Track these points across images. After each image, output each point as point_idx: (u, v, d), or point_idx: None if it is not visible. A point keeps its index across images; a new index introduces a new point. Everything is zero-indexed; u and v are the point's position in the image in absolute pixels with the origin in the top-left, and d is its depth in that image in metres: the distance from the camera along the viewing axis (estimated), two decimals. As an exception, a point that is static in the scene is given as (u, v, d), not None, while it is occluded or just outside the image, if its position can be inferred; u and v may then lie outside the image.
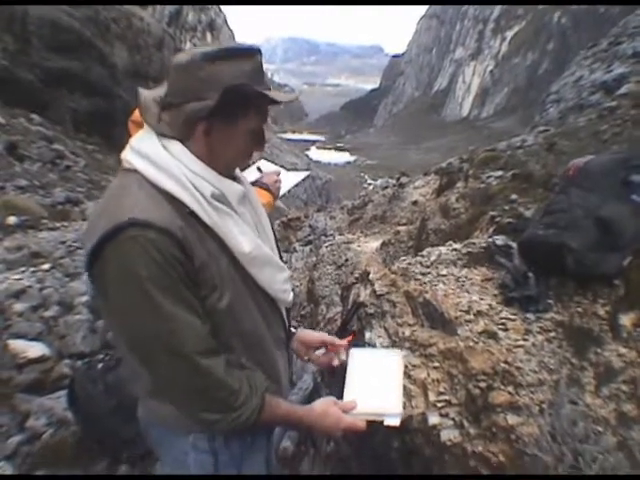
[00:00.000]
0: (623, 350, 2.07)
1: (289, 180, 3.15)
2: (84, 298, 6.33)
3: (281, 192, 3.05)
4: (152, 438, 1.73)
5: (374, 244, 6.07)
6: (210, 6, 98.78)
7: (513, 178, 4.76)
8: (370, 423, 1.66)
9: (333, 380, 3.02)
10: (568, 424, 1.88)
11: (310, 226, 11.51)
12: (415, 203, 8.43)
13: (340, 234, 8.15)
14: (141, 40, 27.38)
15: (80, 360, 4.87)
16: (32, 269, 6.75)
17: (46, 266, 6.96)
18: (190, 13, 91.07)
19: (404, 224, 7.31)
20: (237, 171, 1.68)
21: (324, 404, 1.68)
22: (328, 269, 5.93)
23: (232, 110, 1.44)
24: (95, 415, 3.57)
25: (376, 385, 1.79)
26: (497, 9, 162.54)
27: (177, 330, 1.37)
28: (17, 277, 6.33)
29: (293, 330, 2.01)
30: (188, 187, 1.40)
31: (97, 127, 21.87)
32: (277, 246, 1.79)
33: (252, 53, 1.47)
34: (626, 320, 2.13)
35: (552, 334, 2.19)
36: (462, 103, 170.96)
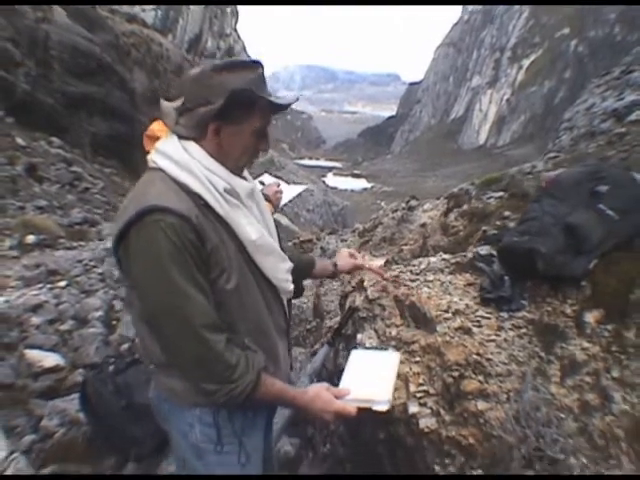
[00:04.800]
0: (587, 345, 2.24)
1: (289, 192, 3.39)
2: (98, 313, 6.55)
3: (281, 203, 3.29)
4: (162, 412, 1.91)
5: (378, 262, 6.25)
6: (229, 33, 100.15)
7: (510, 197, 4.94)
8: (361, 410, 1.80)
9: (330, 382, 3.19)
10: (532, 410, 2.06)
11: (321, 248, 11.69)
12: (423, 225, 8.57)
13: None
14: (160, 66, 27.82)
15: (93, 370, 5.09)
16: (49, 286, 6.99)
17: (62, 283, 7.25)
18: (209, 39, 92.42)
19: (411, 244, 7.47)
20: (246, 173, 1.89)
21: (317, 388, 1.83)
22: (334, 285, 6.13)
23: (238, 112, 1.66)
24: (105, 414, 3.75)
25: (369, 378, 1.94)
26: (514, 37, 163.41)
27: (187, 304, 1.57)
28: (34, 293, 6.56)
29: (334, 267, 2.44)
30: (204, 182, 1.63)
31: (115, 151, 22.12)
32: (279, 241, 1.98)
33: (255, 65, 1.70)
34: (590, 317, 2.31)
35: (523, 330, 2.38)
36: (479, 131, 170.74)
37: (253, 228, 1.73)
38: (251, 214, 1.78)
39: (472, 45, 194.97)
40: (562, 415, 2.05)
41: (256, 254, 1.75)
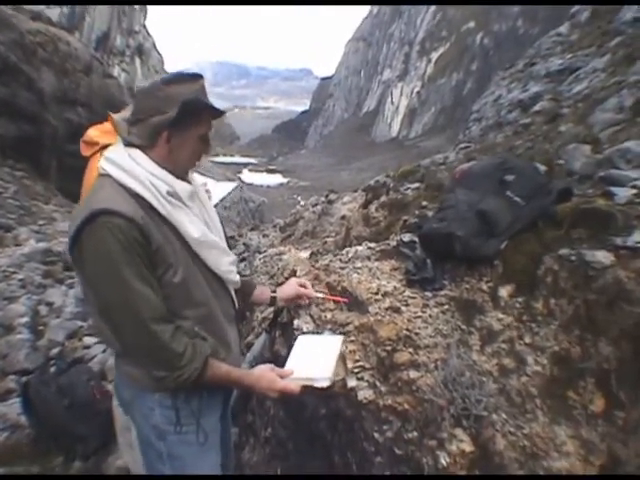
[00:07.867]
0: (502, 316, 2.53)
1: (219, 190, 3.52)
2: (24, 319, 6.48)
3: (213, 202, 3.43)
4: (125, 397, 2.06)
5: (304, 254, 6.46)
6: (138, 30, 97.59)
7: (427, 188, 5.27)
8: (304, 388, 1.98)
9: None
10: (457, 375, 2.32)
11: (244, 244, 11.82)
12: (343, 217, 8.87)
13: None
14: (69, 65, 26.61)
15: (25, 376, 5.06)
16: (-33, 295, 6.86)
17: (-19, 292, 7.10)
18: (118, 37, 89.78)
19: (333, 237, 7.73)
20: (192, 176, 2.08)
21: (262, 369, 2.03)
22: (262, 279, 6.27)
23: (187, 120, 1.83)
24: (49, 415, 3.80)
25: (312, 359, 2.14)
26: (422, 32, 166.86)
27: (135, 298, 1.73)
28: (-48, 302, 6.44)
29: (273, 294, 2.53)
30: (148, 186, 1.79)
31: (25, 153, 21.17)
32: (225, 237, 2.17)
33: (198, 77, 1.89)
34: (504, 292, 2.60)
35: (446, 307, 2.66)
36: (391, 123, 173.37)
37: (194, 226, 1.90)
38: (193, 214, 1.95)
39: (382, 39, 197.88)
40: (483, 378, 2.32)
41: (199, 249, 1.92)
